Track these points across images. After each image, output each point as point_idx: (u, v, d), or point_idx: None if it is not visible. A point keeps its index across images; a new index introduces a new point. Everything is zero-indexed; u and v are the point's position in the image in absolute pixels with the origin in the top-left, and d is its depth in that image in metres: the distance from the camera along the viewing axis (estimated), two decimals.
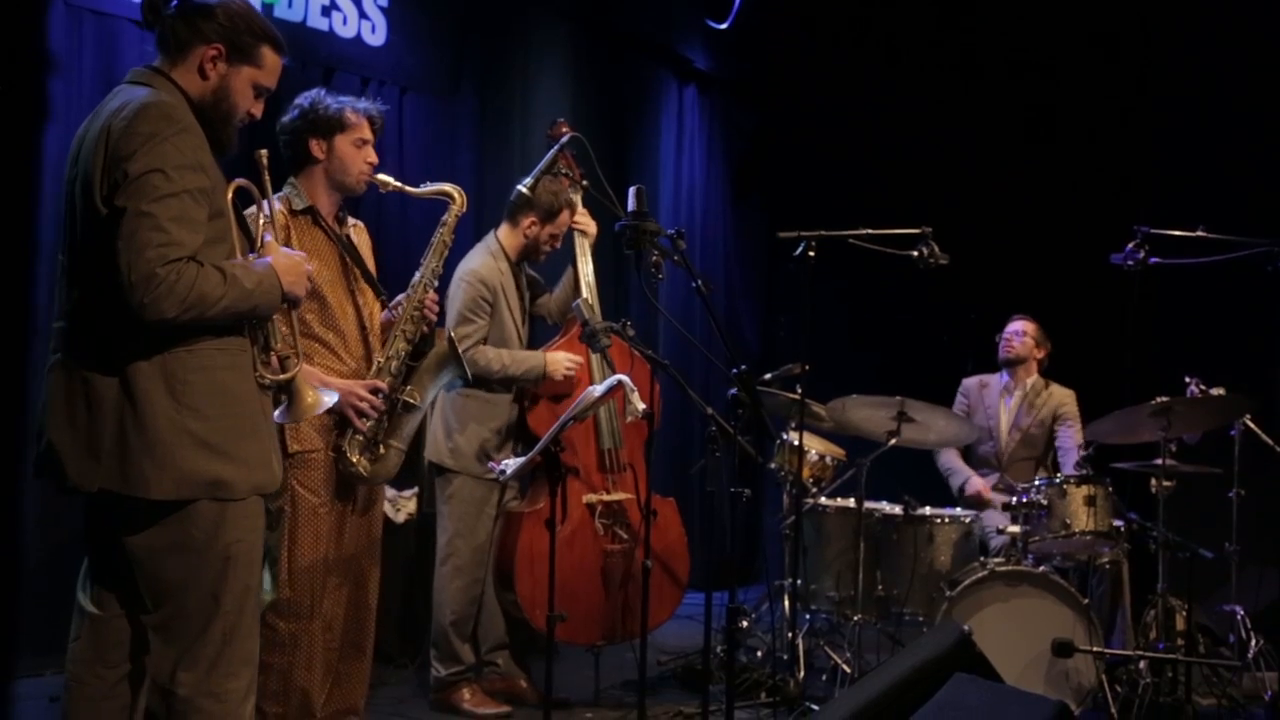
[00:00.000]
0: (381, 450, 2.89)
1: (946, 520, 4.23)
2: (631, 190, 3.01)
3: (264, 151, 2.44)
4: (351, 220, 3.05)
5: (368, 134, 2.95)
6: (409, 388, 2.96)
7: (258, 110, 2.29)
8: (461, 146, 5.02)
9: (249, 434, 2.17)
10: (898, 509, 4.26)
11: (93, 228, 2.08)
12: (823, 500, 4.37)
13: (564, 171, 3.86)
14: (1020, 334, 4.71)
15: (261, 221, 2.31)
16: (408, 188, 3.02)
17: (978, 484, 4.59)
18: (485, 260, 3.76)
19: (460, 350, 3.10)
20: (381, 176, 3.00)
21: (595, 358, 3.82)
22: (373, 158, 2.98)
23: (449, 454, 3.72)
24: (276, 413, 2.31)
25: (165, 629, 2.17)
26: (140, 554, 2.14)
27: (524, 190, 3.71)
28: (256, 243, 2.26)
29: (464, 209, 3.09)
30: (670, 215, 5.95)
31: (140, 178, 2.02)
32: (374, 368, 2.94)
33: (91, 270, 2.10)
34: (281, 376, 2.28)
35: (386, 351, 2.93)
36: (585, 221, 3.92)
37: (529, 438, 3.78)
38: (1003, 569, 3.82)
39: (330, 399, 2.38)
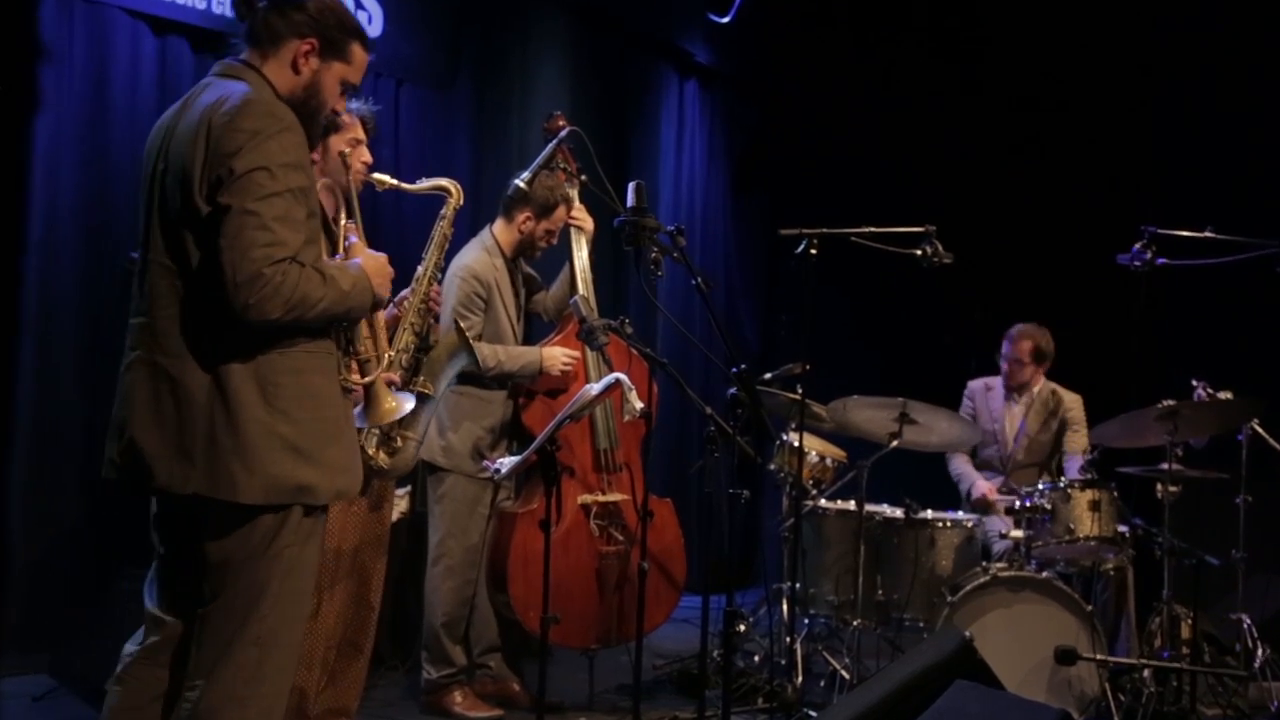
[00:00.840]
0: (398, 442, 2.90)
1: (948, 524, 4.23)
2: (630, 185, 3.00)
3: (349, 149, 2.39)
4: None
5: (361, 134, 2.95)
6: (420, 379, 2.99)
7: (341, 107, 2.32)
8: (458, 140, 5.01)
9: (334, 438, 2.17)
10: (899, 512, 4.26)
11: (190, 225, 2.07)
12: (822, 503, 4.37)
13: (561, 166, 3.85)
14: (1020, 362, 4.65)
15: (344, 222, 2.32)
16: (404, 185, 3.02)
17: (983, 486, 4.59)
18: (479, 256, 3.75)
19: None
20: (378, 176, 3.00)
21: (592, 356, 3.81)
22: (367, 157, 2.98)
23: (441, 452, 3.70)
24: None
25: (209, 622, 2.15)
26: (213, 554, 2.13)
27: (521, 185, 3.69)
28: (339, 244, 2.27)
29: (461, 203, 3.10)
30: (670, 211, 5.94)
31: (245, 175, 2.02)
32: (384, 361, 2.93)
33: (185, 267, 2.09)
34: (364, 380, 2.31)
35: (396, 345, 2.94)
36: (582, 217, 3.91)
37: (524, 436, 3.77)
38: (1005, 574, 3.81)
39: (409, 404, 2.38)
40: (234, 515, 2.10)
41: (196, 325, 2.09)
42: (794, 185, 6.24)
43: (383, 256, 2.31)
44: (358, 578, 2.99)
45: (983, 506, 4.54)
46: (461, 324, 3.59)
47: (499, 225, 3.83)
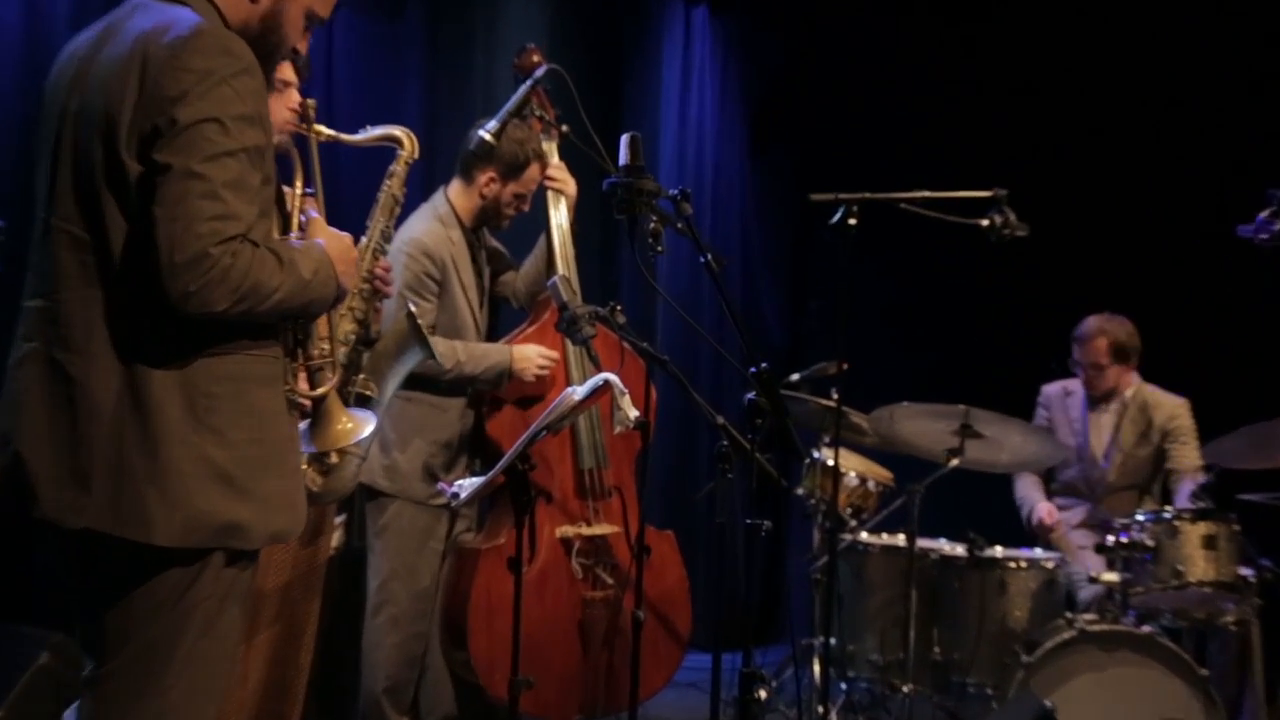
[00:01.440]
0: (333, 459, 2.84)
1: (1023, 565, 4.24)
2: (624, 139, 2.97)
3: (312, 101, 2.47)
4: None
5: (290, 75, 2.95)
6: (362, 378, 2.98)
7: (304, 46, 2.31)
8: (407, 81, 5.02)
9: (275, 466, 2.15)
10: (960, 549, 4.27)
11: (112, 185, 2.04)
12: (864, 536, 4.39)
13: (537, 113, 3.85)
14: (1099, 366, 4.68)
15: (300, 192, 2.31)
16: (344, 135, 3.01)
17: (1044, 509, 4.64)
18: (431, 226, 3.75)
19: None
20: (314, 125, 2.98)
21: (575, 352, 3.81)
22: (295, 102, 2.94)
23: (384, 473, 3.71)
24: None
25: (98, 693, 2.11)
26: (106, 606, 2.09)
27: (486, 137, 3.70)
28: (293, 220, 2.28)
29: (415, 156, 3.11)
30: (674, 171, 5.95)
31: (192, 128, 1.98)
32: (339, 370, 2.93)
33: (101, 239, 2.05)
34: (315, 393, 2.32)
35: (332, 335, 2.89)
36: (562, 178, 3.89)
37: (489, 452, 3.78)
38: (1096, 628, 3.81)
39: (369, 425, 2.40)
40: (138, 558, 2.05)
41: (112, 314, 2.05)
42: (827, 139, 6.21)
43: (347, 237, 2.30)
44: (285, 630, 2.97)
45: (1041, 534, 4.58)
46: (412, 309, 3.57)
47: (456, 188, 3.84)
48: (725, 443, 3.03)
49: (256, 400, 2.12)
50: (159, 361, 2.03)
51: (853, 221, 3.68)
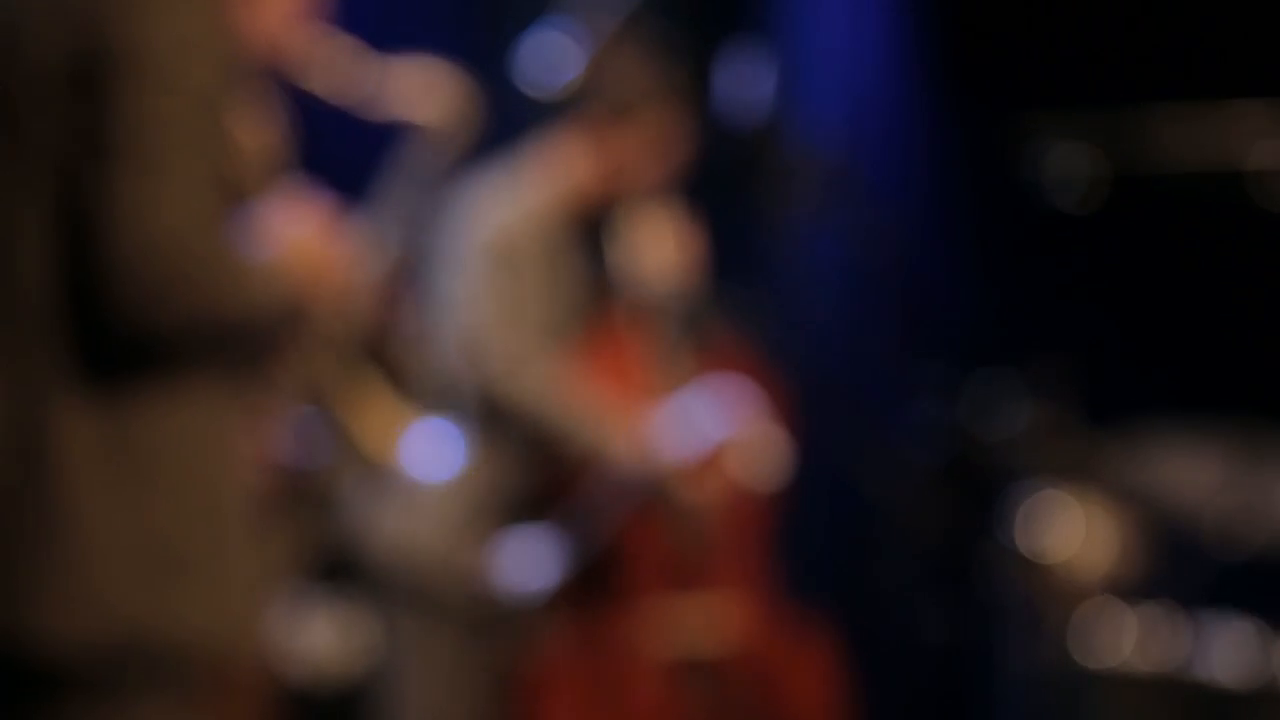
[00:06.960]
0: None
1: None
2: (733, 62, 3.16)
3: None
4: None
5: None
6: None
7: None
8: None
9: (221, 549, 2.18)
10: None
11: (29, 136, 2.08)
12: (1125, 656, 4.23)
13: None
14: None
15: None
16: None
17: None
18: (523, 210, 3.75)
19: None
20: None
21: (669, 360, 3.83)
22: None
23: (399, 539, 3.78)
24: None
25: None
26: None
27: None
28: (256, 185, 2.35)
29: (462, 119, 3.25)
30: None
31: (143, 58, 2.01)
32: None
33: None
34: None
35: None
36: None
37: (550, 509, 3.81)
38: None
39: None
40: (20, 687, 2.08)
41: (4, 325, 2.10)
42: (1044, 51, 5.89)
43: (313, 225, 2.34)
44: None
45: None
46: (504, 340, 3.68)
47: (568, 149, 3.80)
48: (888, 481, 3.21)
49: (200, 453, 2.15)
50: (62, 388, 2.07)
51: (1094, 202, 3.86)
